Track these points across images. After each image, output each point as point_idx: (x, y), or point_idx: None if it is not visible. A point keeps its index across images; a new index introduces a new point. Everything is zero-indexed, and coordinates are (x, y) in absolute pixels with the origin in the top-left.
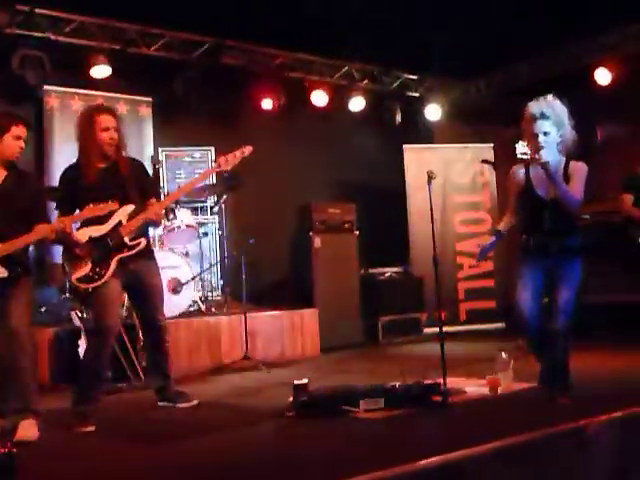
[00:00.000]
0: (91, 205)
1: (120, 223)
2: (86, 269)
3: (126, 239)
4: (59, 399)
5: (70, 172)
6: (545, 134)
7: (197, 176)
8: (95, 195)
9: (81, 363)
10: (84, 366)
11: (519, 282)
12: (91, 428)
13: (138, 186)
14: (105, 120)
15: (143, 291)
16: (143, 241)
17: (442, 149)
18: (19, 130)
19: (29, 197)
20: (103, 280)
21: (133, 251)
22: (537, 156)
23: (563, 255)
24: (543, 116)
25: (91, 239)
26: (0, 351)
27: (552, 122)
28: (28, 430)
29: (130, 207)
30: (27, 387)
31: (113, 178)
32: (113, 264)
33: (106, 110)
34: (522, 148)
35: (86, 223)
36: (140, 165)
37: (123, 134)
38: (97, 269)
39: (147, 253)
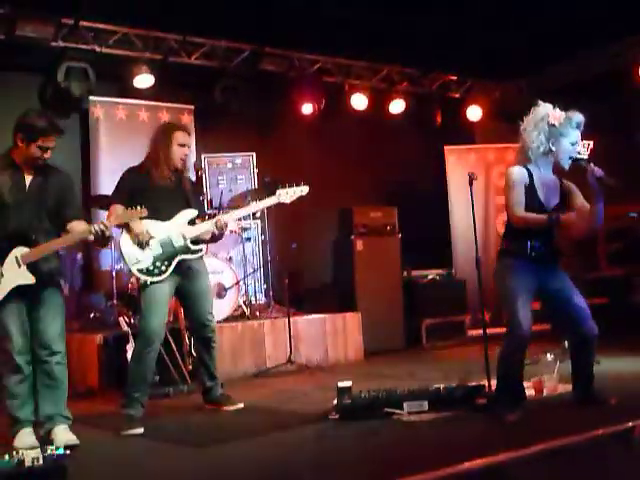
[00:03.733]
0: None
1: (182, 225)
2: (147, 262)
3: (188, 243)
4: (108, 403)
5: (135, 174)
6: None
7: (259, 202)
8: (160, 203)
9: (128, 366)
10: (131, 368)
11: (519, 297)
12: (139, 431)
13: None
14: (183, 136)
15: (194, 292)
16: (204, 248)
17: (483, 150)
18: (44, 141)
19: (58, 195)
20: (162, 277)
21: (195, 256)
22: (591, 165)
23: (556, 262)
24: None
25: (154, 235)
26: (35, 365)
27: None
28: (66, 435)
29: (193, 212)
30: (61, 396)
31: (177, 192)
32: (174, 264)
33: (185, 129)
34: (581, 149)
35: (146, 218)
36: (195, 184)
37: (189, 156)
38: (158, 264)
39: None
